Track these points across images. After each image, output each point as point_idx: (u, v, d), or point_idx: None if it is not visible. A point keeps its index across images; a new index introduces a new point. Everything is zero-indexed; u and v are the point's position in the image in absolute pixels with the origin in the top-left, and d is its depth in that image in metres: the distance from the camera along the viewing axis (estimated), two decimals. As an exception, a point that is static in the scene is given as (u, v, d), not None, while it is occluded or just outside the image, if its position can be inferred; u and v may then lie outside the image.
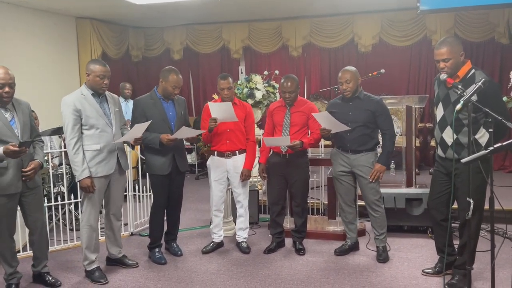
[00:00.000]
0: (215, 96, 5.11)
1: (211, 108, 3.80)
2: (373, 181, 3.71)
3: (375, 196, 3.76)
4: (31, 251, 3.49)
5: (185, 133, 3.68)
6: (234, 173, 4.00)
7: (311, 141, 3.86)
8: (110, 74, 3.46)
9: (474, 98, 2.70)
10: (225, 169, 4.01)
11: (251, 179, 5.45)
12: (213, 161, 4.04)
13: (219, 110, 3.77)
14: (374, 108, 3.70)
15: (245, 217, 4.11)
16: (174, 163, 3.78)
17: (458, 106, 2.68)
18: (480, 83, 2.70)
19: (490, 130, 2.68)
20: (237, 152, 3.99)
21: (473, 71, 3.04)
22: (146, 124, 3.50)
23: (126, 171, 3.77)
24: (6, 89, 3.06)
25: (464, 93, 2.73)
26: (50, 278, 3.45)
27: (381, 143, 3.83)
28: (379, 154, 3.79)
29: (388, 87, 7.08)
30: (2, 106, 3.13)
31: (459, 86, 2.83)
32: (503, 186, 5.02)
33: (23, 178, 3.16)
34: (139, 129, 3.47)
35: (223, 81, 3.89)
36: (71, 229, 4.37)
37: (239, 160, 4.00)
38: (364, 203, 3.90)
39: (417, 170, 6.02)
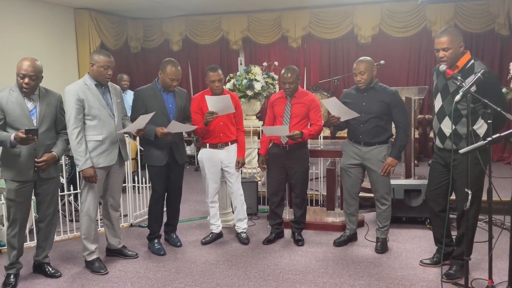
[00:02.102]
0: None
1: (208, 101, 3.74)
2: (385, 175, 3.69)
3: (385, 189, 3.75)
4: (32, 242, 3.49)
5: (176, 127, 3.65)
6: (228, 163, 4.01)
7: (311, 132, 3.83)
8: (114, 65, 3.46)
9: (473, 89, 2.69)
10: (218, 160, 4.01)
11: (250, 170, 5.48)
12: (205, 153, 4.02)
13: (217, 103, 3.73)
14: (389, 99, 3.64)
15: (241, 207, 4.11)
16: (172, 154, 3.78)
17: (457, 97, 2.66)
18: (479, 74, 2.70)
19: (489, 121, 2.67)
20: (229, 142, 4.00)
21: (472, 61, 3.03)
22: (150, 115, 3.49)
23: (126, 162, 3.77)
24: (26, 80, 3.10)
25: (463, 84, 2.73)
26: (50, 268, 3.46)
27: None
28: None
29: (387, 78, 7.00)
30: (26, 96, 3.18)
31: (458, 77, 2.82)
32: (502, 177, 5.04)
33: (35, 169, 3.19)
34: (143, 120, 3.46)
35: (213, 73, 3.84)
36: (71, 220, 4.38)
37: (232, 150, 4.02)
38: (365, 195, 3.90)
39: (416, 161, 6.02)
